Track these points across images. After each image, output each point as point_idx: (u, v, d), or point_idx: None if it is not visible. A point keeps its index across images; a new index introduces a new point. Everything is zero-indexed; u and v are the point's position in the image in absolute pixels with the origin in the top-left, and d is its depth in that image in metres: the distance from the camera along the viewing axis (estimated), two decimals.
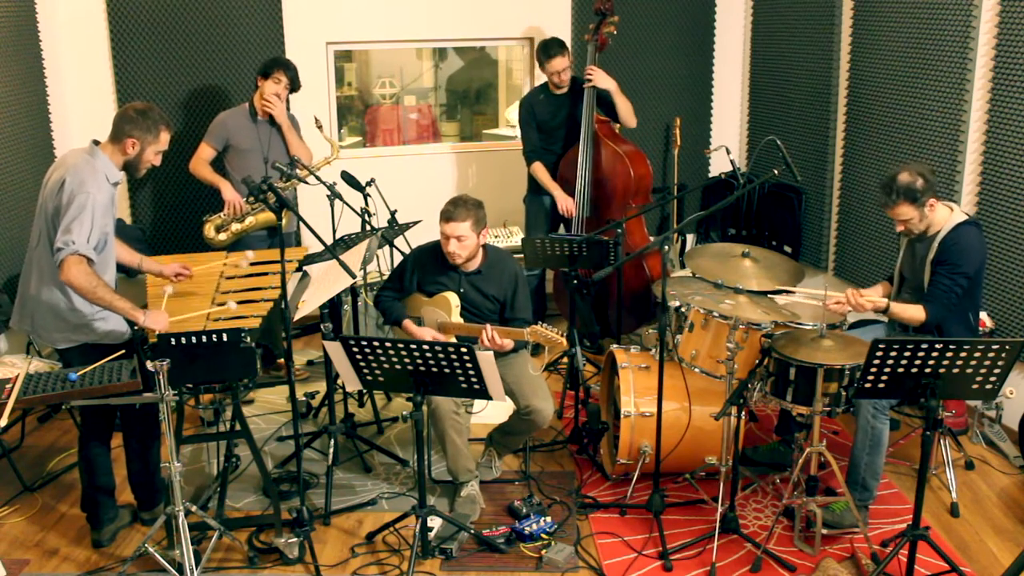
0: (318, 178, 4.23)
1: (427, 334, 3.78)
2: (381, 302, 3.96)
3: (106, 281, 3.20)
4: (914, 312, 3.50)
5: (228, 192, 4.66)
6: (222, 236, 4.68)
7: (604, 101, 5.14)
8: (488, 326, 3.60)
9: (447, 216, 3.69)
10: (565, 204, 5.16)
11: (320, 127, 4.75)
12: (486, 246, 3.87)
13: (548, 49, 5.06)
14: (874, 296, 3.61)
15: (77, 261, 3.06)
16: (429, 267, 3.88)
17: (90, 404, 3.17)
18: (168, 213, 5.48)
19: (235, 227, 4.68)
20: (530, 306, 3.93)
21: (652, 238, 5.59)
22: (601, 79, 5.05)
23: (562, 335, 3.48)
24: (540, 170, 5.23)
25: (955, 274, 3.44)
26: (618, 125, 5.31)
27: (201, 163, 4.73)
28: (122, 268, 3.59)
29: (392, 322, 3.92)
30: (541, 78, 5.88)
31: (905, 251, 3.73)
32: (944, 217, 3.53)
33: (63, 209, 3.13)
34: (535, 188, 5.33)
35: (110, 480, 3.55)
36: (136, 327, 3.42)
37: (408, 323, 3.85)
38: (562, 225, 5.40)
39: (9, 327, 4.52)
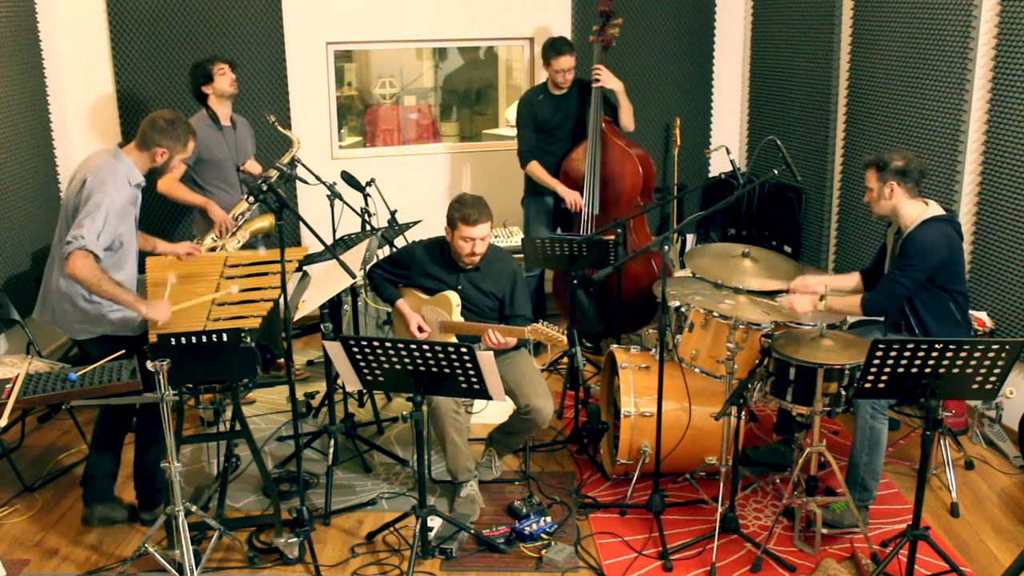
0: (318, 178, 4.22)
1: (414, 320, 3.82)
2: (374, 278, 3.99)
3: (119, 279, 3.28)
4: (848, 302, 3.56)
5: (218, 213, 4.45)
6: None
7: (606, 102, 5.15)
8: (490, 329, 3.61)
9: (472, 220, 3.67)
10: (572, 198, 5.13)
11: (275, 122, 4.60)
12: None
13: (557, 46, 5.05)
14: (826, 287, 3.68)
15: (83, 256, 3.15)
16: (429, 264, 3.89)
17: (90, 404, 3.18)
18: (169, 213, 5.47)
19: (230, 245, 4.45)
20: (529, 304, 3.94)
21: (655, 237, 5.60)
22: (609, 79, 5.06)
23: (563, 333, 3.49)
24: (538, 169, 5.20)
25: (905, 267, 3.46)
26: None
27: (173, 182, 4.42)
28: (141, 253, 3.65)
29: (385, 299, 3.97)
30: (541, 78, 5.89)
31: (891, 249, 3.73)
32: (915, 213, 3.52)
33: (80, 206, 3.23)
34: (534, 189, 5.31)
35: (115, 458, 3.60)
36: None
37: (401, 303, 3.89)
38: (559, 227, 5.39)
39: (9, 327, 4.56)
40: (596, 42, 5.18)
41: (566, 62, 5.03)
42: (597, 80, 5.06)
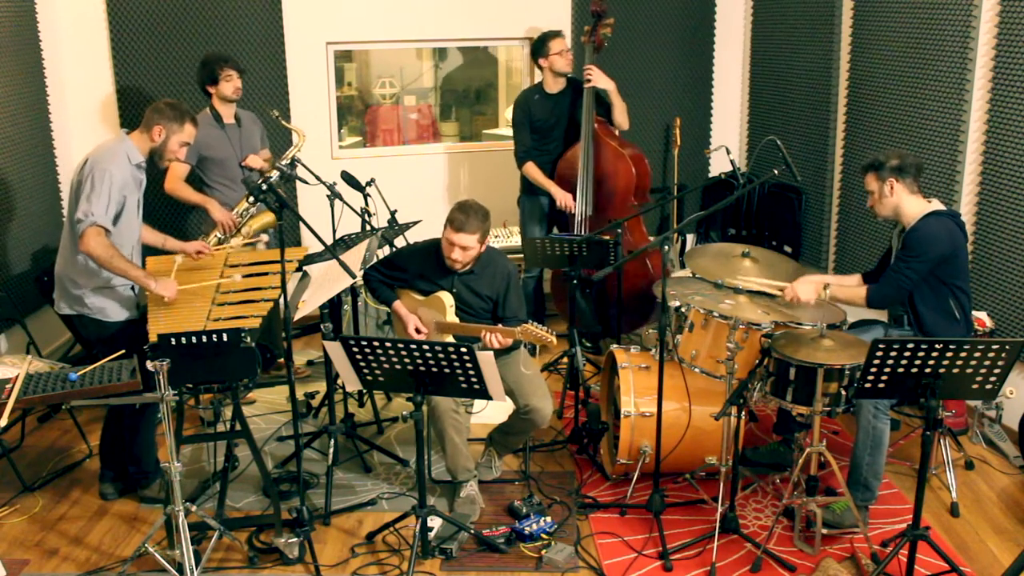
0: (318, 178, 4.22)
1: (411, 321, 3.82)
2: (370, 281, 3.99)
3: (124, 253, 3.42)
4: (854, 294, 3.66)
5: (218, 212, 4.48)
6: None
7: (600, 101, 5.16)
8: (489, 333, 3.60)
9: (458, 225, 3.63)
10: (564, 200, 5.14)
11: (278, 116, 4.67)
12: None
13: (549, 34, 5.12)
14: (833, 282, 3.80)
15: (96, 232, 3.32)
16: (423, 265, 3.87)
17: (90, 404, 3.19)
18: (173, 210, 5.47)
19: (233, 243, 4.46)
20: (524, 305, 3.93)
21: (652, 238, 5.60)
22: (600, 79, 5.07)
23: (552, 334, 3.48)
24: (534, 169, 5.21)
25: (907, 259, 3.51)
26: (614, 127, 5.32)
27: (178, 182, 4.52)
28: (149, 249, 3.75)
29: (382, 302, 3.98)
30: (540, 78, 5.89)
31: (896, 250, 3.74)
32: (918, 209, 3.56)
33: (83, 182, 3.38)
34: (529, 188, 5.31)
35: (142, 443, 3.71)
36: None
37: (398, 305, 3.89)
38: (555, 227, 5.40)
39: (9, 327, 4.57)
40: (588, 43, 5.19)
41: (562, 43, 5.08)
42: (589, 80, 5.07)
